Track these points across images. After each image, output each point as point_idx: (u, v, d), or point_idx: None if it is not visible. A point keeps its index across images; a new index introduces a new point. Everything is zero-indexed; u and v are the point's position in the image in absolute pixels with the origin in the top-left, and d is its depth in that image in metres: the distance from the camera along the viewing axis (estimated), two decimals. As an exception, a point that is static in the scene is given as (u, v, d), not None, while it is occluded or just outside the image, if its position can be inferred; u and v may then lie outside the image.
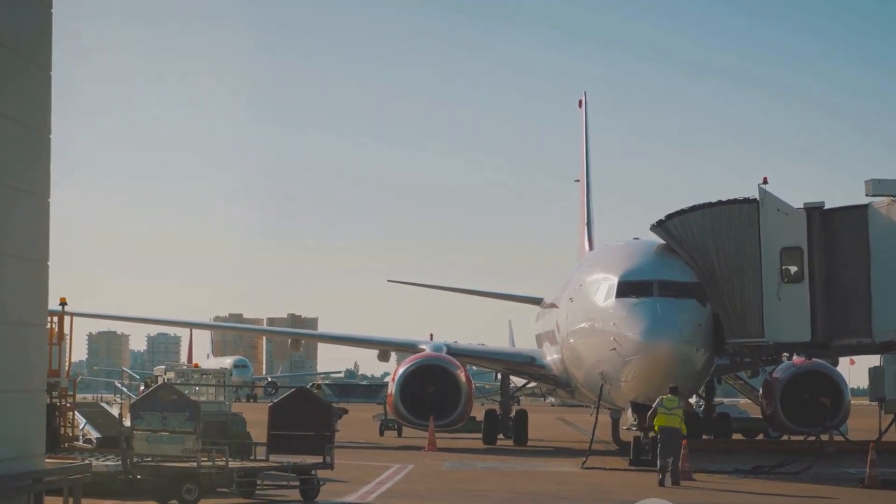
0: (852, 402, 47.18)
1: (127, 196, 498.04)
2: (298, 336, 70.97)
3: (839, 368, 46.77)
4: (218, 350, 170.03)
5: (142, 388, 38.16)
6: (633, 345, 33.68)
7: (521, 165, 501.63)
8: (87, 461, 25.06)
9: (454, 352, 48.86)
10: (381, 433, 56.42)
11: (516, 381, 55.40)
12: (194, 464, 24.30)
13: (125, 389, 43.58)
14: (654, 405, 31.75)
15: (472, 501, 26.37)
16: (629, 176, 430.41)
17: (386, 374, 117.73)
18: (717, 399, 56.34)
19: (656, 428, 31.24)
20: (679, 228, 35.76)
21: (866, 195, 34.12)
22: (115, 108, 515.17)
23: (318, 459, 25.93)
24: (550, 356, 46.22)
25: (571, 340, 39.22)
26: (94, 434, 30.40)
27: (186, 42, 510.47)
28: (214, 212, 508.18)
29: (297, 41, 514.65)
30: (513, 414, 51.51)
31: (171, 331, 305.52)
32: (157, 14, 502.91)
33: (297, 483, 25.64)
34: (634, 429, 35.26)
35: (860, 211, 34.60)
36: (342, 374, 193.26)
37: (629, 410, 35.43)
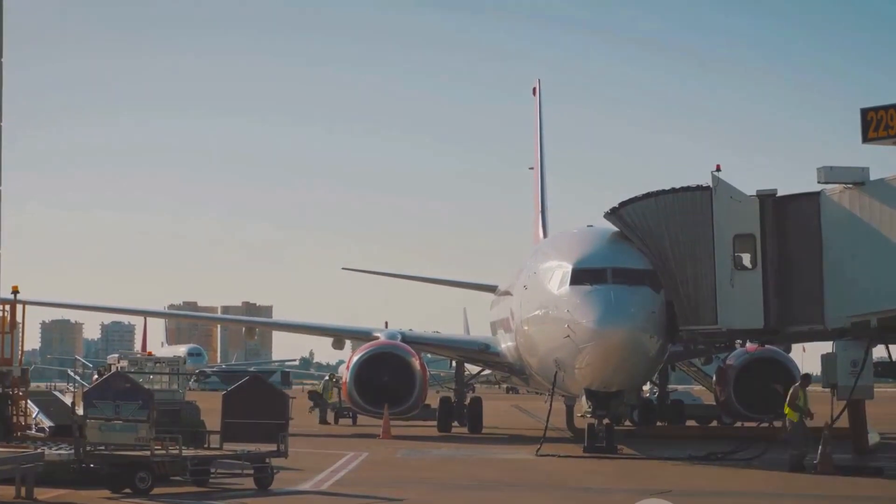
0: (805, 388, 47.47)
1: (80, 184, 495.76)
2: (253, 324, 70.66)
3: (792, 355, 47.12)
4: (172, 338, 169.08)
5: (95, 376, 37.96)
6: (587, 332, 33.71)
7: (475, 153, 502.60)
8: (39, 450, 24.97)
9: (409, 339, 48.85)
10: (336, 421, 56.48)
11: (471, 368, 55.46)
12: (148, 452, 24.23)
13: (78, 378, 43.33)
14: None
15: (428, 489, 26.37)
16: (584, 163, 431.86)
17: (340, 361, 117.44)
18: (671, 386, 56.58)
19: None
20: (632, 216, 35.80)
21: (818, 182, 34.16)
22: (69, 97, 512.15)
23: (273, 448, 25.90)
24: (505, 343, 46.26)
25: (526, 328, 39.25)
26: (47, 423, 30.23)
27: (143, 37, 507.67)
28: (169, 199, 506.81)
29: (245, 34, 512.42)
30: (467, 401, 51.57)
31: (126, 319, 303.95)
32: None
33: (252, 471, 25.59)
34: (589, 416, 35.38)
35: (812, 198, 34.69)
36: (297, 362, 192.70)
37: (583, 397, 35.52)
